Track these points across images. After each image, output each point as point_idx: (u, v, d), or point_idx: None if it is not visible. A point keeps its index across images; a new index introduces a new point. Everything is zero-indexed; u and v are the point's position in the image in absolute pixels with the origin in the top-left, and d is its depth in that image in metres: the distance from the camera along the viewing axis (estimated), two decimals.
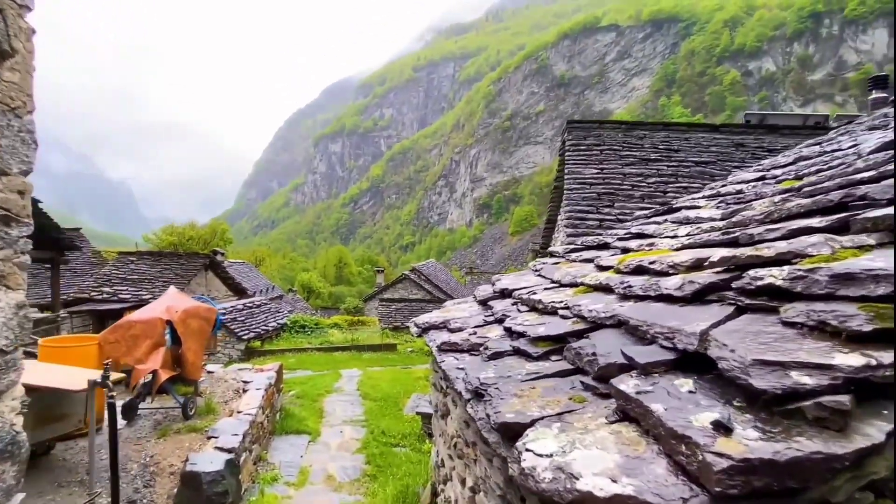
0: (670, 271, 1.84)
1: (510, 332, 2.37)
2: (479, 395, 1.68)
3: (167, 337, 5.05)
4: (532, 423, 1.26)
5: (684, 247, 2.20)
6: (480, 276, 35.02)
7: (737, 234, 1.95)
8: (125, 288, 16.86)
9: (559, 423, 1.21)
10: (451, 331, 3.03)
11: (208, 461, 4.03)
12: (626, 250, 2.87)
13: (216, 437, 4.52)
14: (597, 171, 7.36)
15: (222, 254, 29.89)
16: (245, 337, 15.52)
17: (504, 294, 3.34)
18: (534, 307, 2.57)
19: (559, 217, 9.76)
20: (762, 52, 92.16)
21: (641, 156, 7.59)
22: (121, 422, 5.18)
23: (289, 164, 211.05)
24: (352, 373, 12.74)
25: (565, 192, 7.05)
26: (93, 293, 16.35)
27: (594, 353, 1.49)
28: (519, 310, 2.72)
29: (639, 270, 2.09)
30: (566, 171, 7.53)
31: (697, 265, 1.78)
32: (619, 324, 1.66)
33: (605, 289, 2.16)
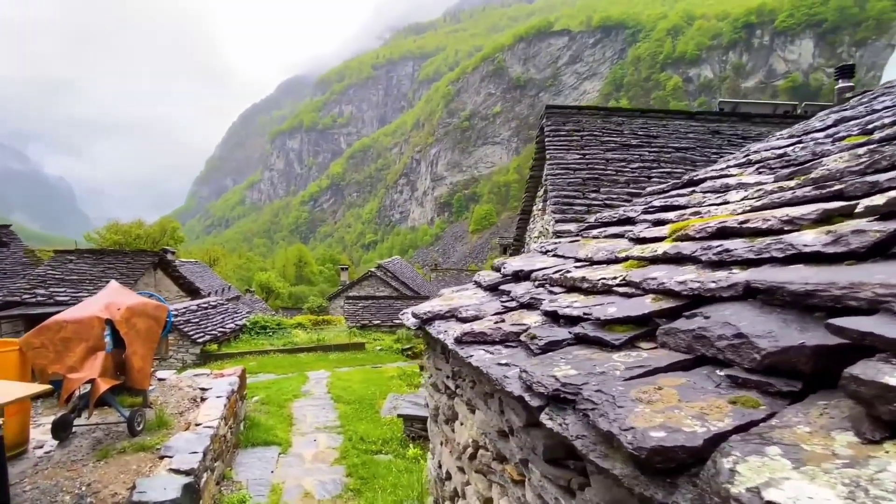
0: (786, 228, 1.42)
1: (555, 317, 1.89)
2: (562, 400, 1.18)
3: (107, 339, 4.21)
4: (716, 443, 0.77)
5: (762, 207, 1.80)
6: (445, 272, 34.63)
7: (836, 186, 1.58)
8: (63, 290, 15.09)
9: (767, 444, 0.73)
10: (464, 320, 2.51)
11: (161, 487, 3.30)
12: (661, 222, 2.46)
13: (170, 457, 3.76)
14: (579, 156, 7.06)
15: (173, 252, 27.79)
16: (200, 340, 14.25)
17: (519, 277, 2.86)
18: (574, 287, 2.09)
19: (535, 207, 9.46)
20: (701, 59, 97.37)
21: (622, 141, 7.39)
22: (51, 442, 4.28)
23: (244, 161, 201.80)
24: (319, 375, 11.92)
25: (549, 178, 6.70)
26: (25, 296, 14.50)
27: (740, 335, 1.03)
28: (552, 291, 2.24)
29: (723, 234, 1.67)
30: (547, 156, 7.19)
31: (824, 219, 1.37)
32: (747, 294, 1.21)
33: (679, 259, 1.72)
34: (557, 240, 3.36)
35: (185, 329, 14.22)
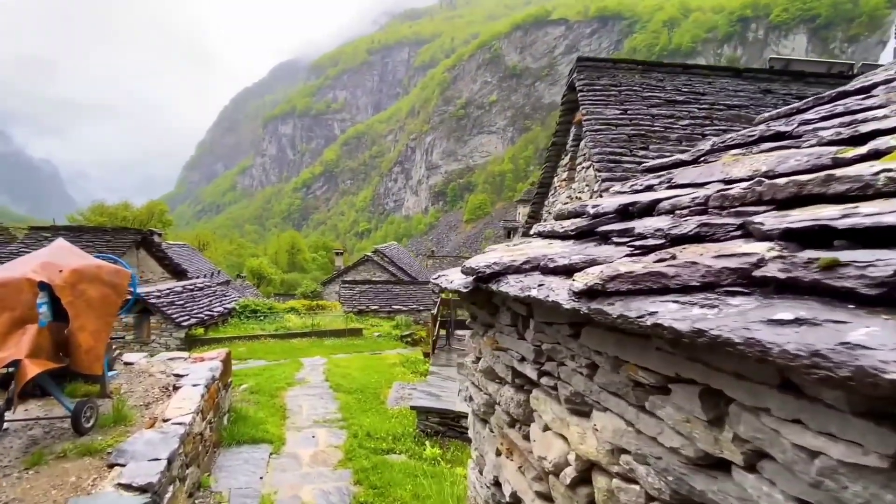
0: None
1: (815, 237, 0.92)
2: None
3: (42, 309, 3.19)
4: None
5: None
6: (443, 259, 33.67)
7: None
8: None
9: None
10: (568, 270, 1.54)
11: None
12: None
13: (123, 465, 2.78)
14: (619, 111, 6.09)
15: (160, 234, 26.48)
16: (185, 323, 13.17)
17: (630, 213, 1.90)
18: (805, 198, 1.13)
19: (556, 178, 8.49)
20: (696, 52, 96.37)
21: (666, 98, 6.42)
22: None
23: (235, 146, 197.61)
24: (315, 361, 10.95)
25: (587, 134, 5.72)
26: None
27: None
28: (740, 213, 1.28)
29: None
30: (583, 111, 6.20)
31: None
32: None
33: None
34: (674, 166, 2.39)
35: (169, 312, 13.12)
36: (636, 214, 1.90)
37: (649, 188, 2.32)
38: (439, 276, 2.65)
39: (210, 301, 15.25)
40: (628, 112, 6.09)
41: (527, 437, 2.01)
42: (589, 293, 1.21)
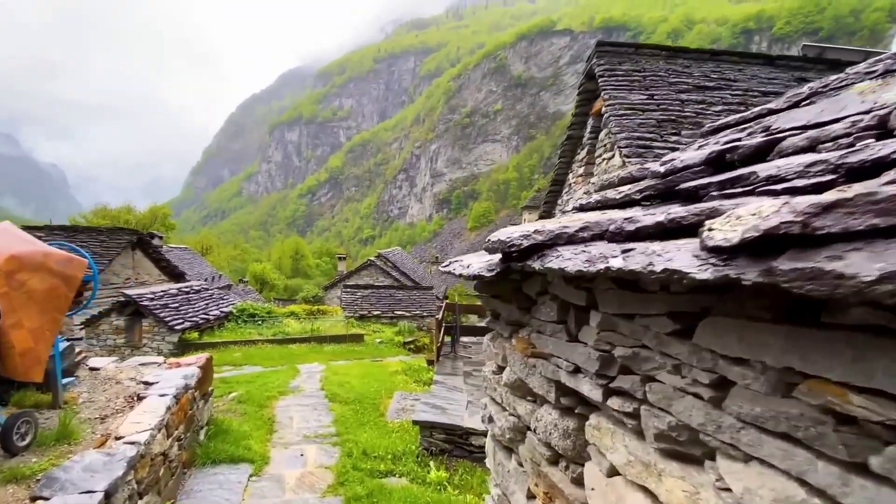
0: None
1: None
2: None
3: None
4: None
5: None
6: None
7: None
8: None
9: None
10: (651, 233, 0.93)
11: None
12: None
13: (46, 500, 2.18)
14: (645, 97, 5.52)
15: (160, 237, 26.12)
16: (178, 327, 12.61)
17: (724, 164, 1.31)
18: None
19: (571, 174, 7.91)
20: None
21: (695, 83, 5.85)
22: None
23: (241, 152, 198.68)
24: (312, 368, 10.33)
25: (612, 119, 5.14)
26: None
27: None
28: None
29: None
30: (605, 97, 5.63)
31: None
32: None
33: None
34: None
35: (162, 315, 12.57)
36: (739, 162, 1.32)
37: (732, 141, 1.72)
38: (451, 261, 2.06)
39: (206, 304, 14.70)
40: (655, 97, 5.52)
41: (579, 482, 1.41)
42: (757, 246, 0.62)
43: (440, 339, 8.21)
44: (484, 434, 4.42)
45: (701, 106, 5.35)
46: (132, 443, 2.77)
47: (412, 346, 15.28)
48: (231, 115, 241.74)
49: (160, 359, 4.71)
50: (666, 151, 4.56)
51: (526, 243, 1.32)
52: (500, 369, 2.03)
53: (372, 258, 24.29)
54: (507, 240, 1.41)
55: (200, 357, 4.62)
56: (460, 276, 1.77)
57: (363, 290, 17.55)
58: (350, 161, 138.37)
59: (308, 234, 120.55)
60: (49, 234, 15.50)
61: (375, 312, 16.53)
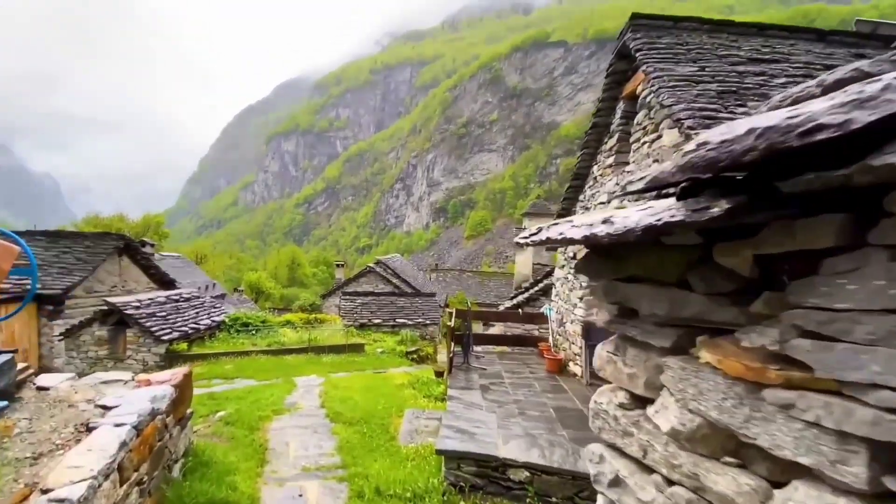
0: None
1: None
2: None
3: None
4: None
5: None
6: (447, 273, 32.24)
7: None
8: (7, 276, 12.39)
9: None
10: None
11: None
12: None
13: None
14: (696, 69, 4.79)
15: (152, 244, 25.18)
16: (166, 337, 11.67)
17: None
18: None
19: (596, 167, 7.17)
20: None
21: (748, 56, 5.14)
22: None
23: (238, 162, 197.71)
24: (310, 381, 9.43)
25: (661, 91, 4.40)
26: None
27: None
28: None
29: None
30: (647, 70, 4.90)
31: None
32: None
33: None
34: None
35: (148, 324, 11.63)
36: None
37: None
38: (554, 224, 1.29)
39: (197, 313, 13.77)
40: (706, 70, 4.80)
41: None
42: None
43: (451, 350, 7.36)
44: (526, 467, 3.58)
45: (762, 78, 4.63)
46: (60, 501, 1.93)
47: (415, 356, 14.40)
48: (227, 125, 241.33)
49: (127, 375, 3.84)
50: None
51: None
52: (639, 402, 1.23)
53: (371, 264, 23.42)
54: (769, 127, 0.61)
55: (176, 372, 3.76)
56: (607, 236, 0.98)
57: (363, 297, 16.67)
58: (347, 171, 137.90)
59: (305, 244, 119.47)
60: (31, 239, 14.58)
61: (376, 321, 15.63)
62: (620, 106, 6.33)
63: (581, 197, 7.81)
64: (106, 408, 3.15)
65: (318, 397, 7.35)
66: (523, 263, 15.62)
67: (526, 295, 11.00)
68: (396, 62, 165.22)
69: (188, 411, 3.96)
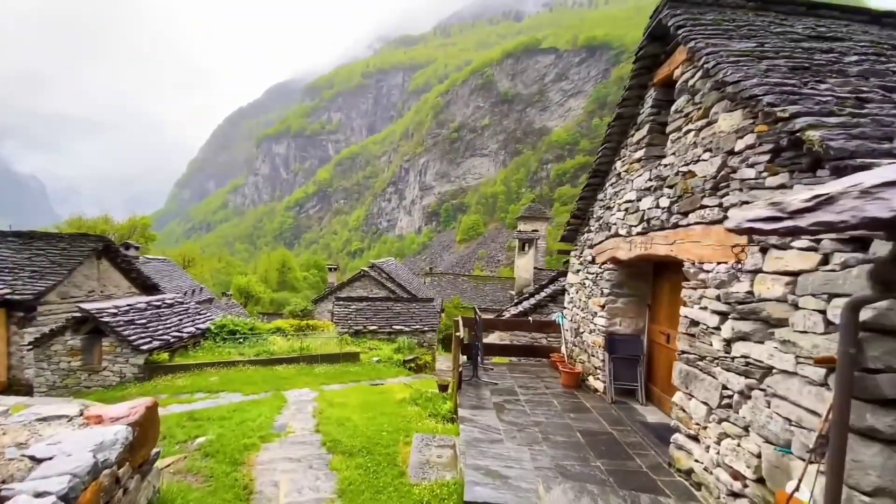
0: None
1: None
2: None
3: None
4: None
5: None
6: (441, 277, 31.47)
7: None
8: None
9: None
10: None
11: None
12: None
13: None
14: (753, 45, 4.14)
15: (136, 247, 24.05)
16: (145, 347, 10.72)
17: None
18: None
19: (620, 162, 6.50)
20: None
21: (808, 34, 4.52)
22: None
23: (228, 165, 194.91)
24: (302, 395, 8.62)
25: (724, 67, 3.73)
26: None
27: None
28: None
29: None
30: (693, 47, 4.23)
31: None
32: None
33: None
34: None
35: (126, 333, 10.68)
36: None
37: None
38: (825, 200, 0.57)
39: (181, 320, 12.82)
40: (765, 46, 4.15)
41: None
42: None
43: (459, 363, 6.61)
44: None
45: (832, 55, 4.00)
46: None
47: (413, 365, 13.61)
48: (218, 127, 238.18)
49: (74, 407, 3.02)
50: (830, 98, 3.15)
51: None
52: None
53: (365, 268, 22.54)
54: None
55: (136, 406, 2.96)
56: None
57: (357, 302, 15.82)
58: (339, 174, 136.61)
59: (296, 247, 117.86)
60: (3, 239, 13.52)
61: (371, 327, 14.80)
62: (651, 94, 5.68)
63: (600, 196, 7.14)
64: (35, 459, 2.34)
65: (311, 417, 6.54)
66: (524, 268, 14.97)
67: (533, 301, 10.29)
68: (389, 66, 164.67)
69: (153, 452, 3.15)
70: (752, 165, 3.49)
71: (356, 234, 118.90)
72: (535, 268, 19.24)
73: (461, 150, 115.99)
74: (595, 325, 6.85)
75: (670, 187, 4.84)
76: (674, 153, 4.89)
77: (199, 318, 13.43)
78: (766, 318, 3.24)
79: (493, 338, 12.07)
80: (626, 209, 6.00)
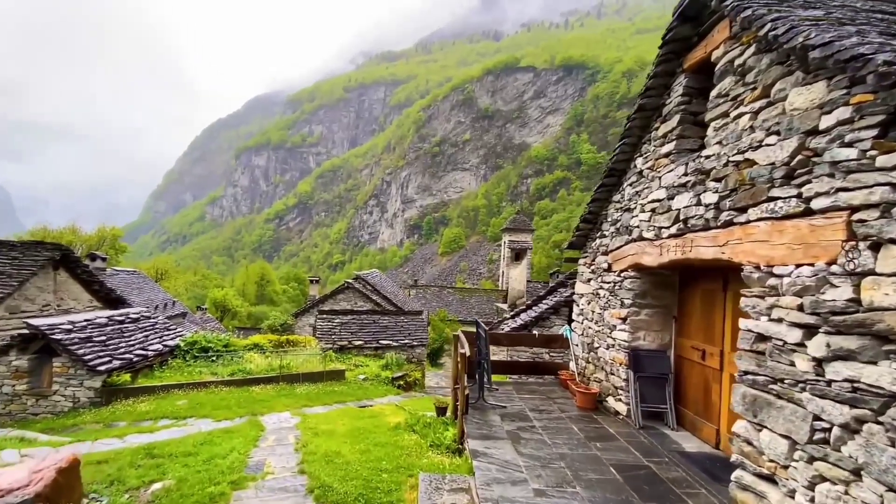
0: None
1: None
2: None
3: None
4: None
5: None
6: (426, 289, 30.52)
7: None
8: None
9: None
10: None
11: None
12: None
13: None
14: (822, 12, 3.56)
15: (103, 258, 22.39)
16: (103, 367, 9.43)
17: None
18: None
19: (643, 157, 5.88)
20: None
21: (870, 6, 3.99)
22: None
23: (206, 176, 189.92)
24: (282, 421, 7.57)
25: (804, 29, 3.12)
26: None
27: None
28: None
29: None
30: (756, 13, 3.63)
31: None
32: None
33: None
34: None
35: (80, 351, 9.38)
36: None
37: None
38: None
39: (146, 336, 11.53)
40: (834, 13, 3.57)
41: None
42: None
43: (465, 385, 5.73)
44: None
45: None
46: None
47: (402, 383, 12.61)
48: (196, 138, 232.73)
49: None
50: None
51: None
52: None
53: (349, 280, 21.42)
54: None
55: (42, 469, 2.00)
56: None
57: (342, 315, 14.74)
58: (320, 186, 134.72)
59: (275, 260, 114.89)
60: None
61: (357, 342, 13.74)
62: (681, 81, 5.07)
63: (616, 197, 6.48)
64: None
65: (293, 451, 5.54)
66: (517, 279, 14.25)
67: (534, 314, 9.53)
68: (371, 81, 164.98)
69: None
70: (849, 144, 2.82)
71: (337, 247, 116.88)
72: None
73: (443, 164, 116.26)
74: (614, 339, 6.11)
75: (717, 180, 4.17)
76: (719, 142, 4.24)
77: (168, 335, 12.14)
78: (882, 333, 2.54)
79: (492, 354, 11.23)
80: (654, 209, 5.33)
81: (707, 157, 4.41)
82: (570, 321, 9.32)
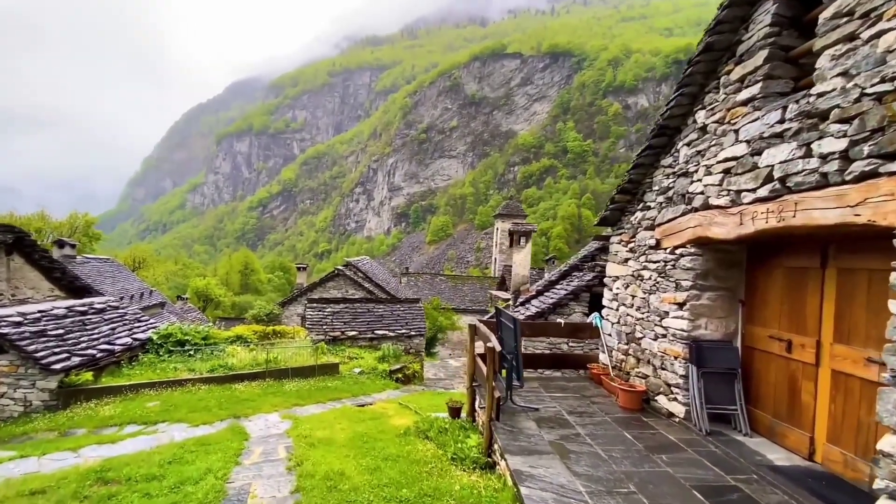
0: None
1: None
2: None
3: None
4: None
5: None
6: (418, 277, 29.43)
7: None
8: None
9: None
10: None
11: None
12: None
13: None
14: None
15: (72, 245, 20.64)
16: (59, 365, 8.12)
17: None
18: None
19: (706, 109, 4.85)
20: (638, 89, 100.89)
21: None
22: None
23: (186, 163, 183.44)
24: (270, 426, 6.45)
25: None
26: None
27: None
28: None
29: None
30: None
31: None
32: None
33: None
34: None
35: (31, 347, 8.04)
36: None
37: None
38: None
39: (113, 329, 10.18)
40: None
41: None
42: None
43: (493, 387, 4.67)
44: None
45: None
46: None
47: (400, 376, 11.58)
48: (175, 124, 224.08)
49: None
50: None
51: None
52: None
53: (340, 267, 20.13)
54: None
55: None
56: None
57: (333, 304, 13.56)
58: (304, 173, 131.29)
59: (259, 248, 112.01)
60: None
61: (350, 333, 12.62)
62: (768, 8, 4.02)
63: (667, 161, 5.44)
64: None
65: (285, 472, 4.44)
66: (521, 263, 13.26)
67: (551, 301, 8.55)
68: (356, 66, 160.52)
69: None
70: None
71: (323, 236, 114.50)
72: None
73: (430, 152, 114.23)
74: (666, 328, 5.14)
75: (845, 121, 3.15)
76: (843, 73, 3.21)
77: (139, 327, 10.80)
78: None
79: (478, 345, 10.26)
80: (727, 170, 4.32)
81: (821, 94, 3.38)
82: (593, 308, 8.34)
